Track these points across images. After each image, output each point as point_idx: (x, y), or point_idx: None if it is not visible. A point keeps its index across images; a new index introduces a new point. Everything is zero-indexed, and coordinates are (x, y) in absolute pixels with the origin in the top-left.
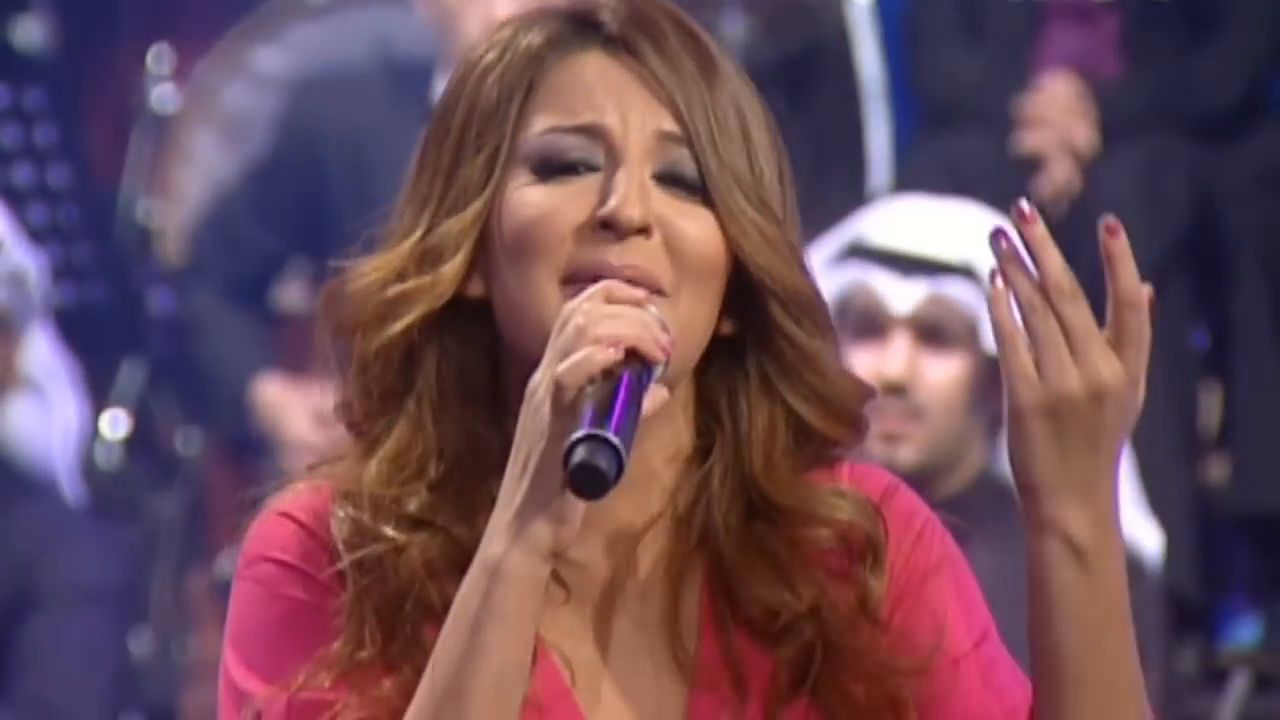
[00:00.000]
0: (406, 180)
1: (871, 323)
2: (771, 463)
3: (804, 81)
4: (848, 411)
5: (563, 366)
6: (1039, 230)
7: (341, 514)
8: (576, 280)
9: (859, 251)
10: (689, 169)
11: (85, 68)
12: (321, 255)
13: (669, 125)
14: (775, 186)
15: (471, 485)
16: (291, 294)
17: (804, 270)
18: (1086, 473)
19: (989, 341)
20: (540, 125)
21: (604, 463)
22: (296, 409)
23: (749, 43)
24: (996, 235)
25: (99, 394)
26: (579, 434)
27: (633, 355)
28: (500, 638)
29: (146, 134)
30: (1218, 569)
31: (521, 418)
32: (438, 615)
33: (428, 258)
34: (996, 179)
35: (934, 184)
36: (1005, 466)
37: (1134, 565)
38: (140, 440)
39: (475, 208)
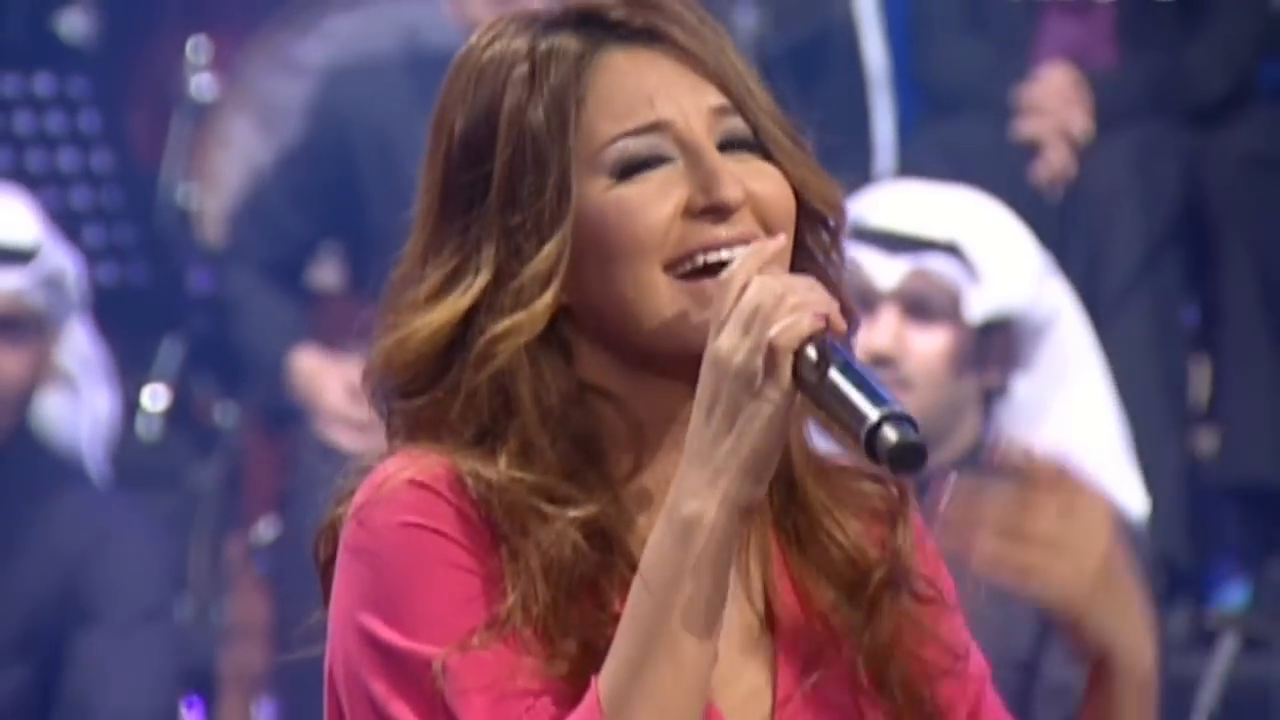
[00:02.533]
0: (432, 209)
1: (861, 300)
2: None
3: (813, 70)
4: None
5: (776, 329)
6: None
7: (483, 485)
8: (681, 263)
9: (853, 234)
10: (743, 132)
11: (127, 57)
12: (352, 237)
13: (716, 99)
14: None
15: (586, 470)
16: (324, 274)
17: (837, 184)
18: (1138, 603)
19: (972, 314)
20: (604, 134)
21: (915, 436)
22: (332, 379)
23: (760, 33)
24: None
25: (140, 369)
26: (877, 416)
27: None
28: (707, 588)
29: (186, 121)
30: (1207, 536)
31: (710, 383)
32: (594, 582)
33: (524, 292)
34: (996, 164)
35: (936, 168)
36: (997, 437)
37: (1123, 528)
38: (179, 413)
39: (564, 231)
